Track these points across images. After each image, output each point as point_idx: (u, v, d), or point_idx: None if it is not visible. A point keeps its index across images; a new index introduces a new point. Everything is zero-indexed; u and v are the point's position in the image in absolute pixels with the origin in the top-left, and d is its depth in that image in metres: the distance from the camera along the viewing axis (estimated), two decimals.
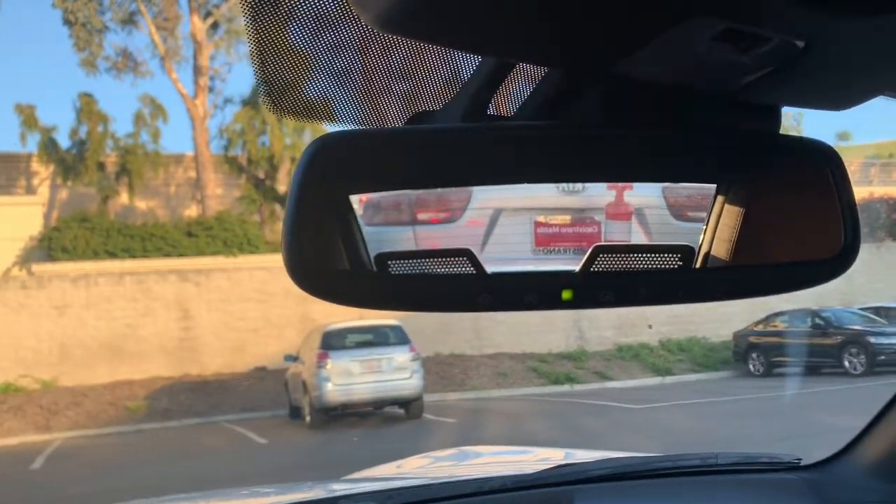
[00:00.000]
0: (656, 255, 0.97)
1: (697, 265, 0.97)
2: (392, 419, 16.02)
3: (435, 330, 20.66)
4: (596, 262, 0.92)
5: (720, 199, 0.98)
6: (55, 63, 47.45)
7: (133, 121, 24.84)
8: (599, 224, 0.94)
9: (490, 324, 22.26)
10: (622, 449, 2.37)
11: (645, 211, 0.96)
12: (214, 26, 26.60)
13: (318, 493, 2.00)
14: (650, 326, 22.52)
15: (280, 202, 25.20)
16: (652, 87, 0.83)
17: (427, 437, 13.69)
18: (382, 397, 15.59)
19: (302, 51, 0.88)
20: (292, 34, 0.84)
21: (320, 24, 0.84)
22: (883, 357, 18.00)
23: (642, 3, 0.67)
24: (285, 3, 0.80)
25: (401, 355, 15.75)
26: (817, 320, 19.62)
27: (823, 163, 0.95)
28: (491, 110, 0.93)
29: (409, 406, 15.82)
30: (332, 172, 0.84)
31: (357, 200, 0.86)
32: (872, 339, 18.42)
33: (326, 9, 0.81)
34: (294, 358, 17.26)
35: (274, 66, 0.90)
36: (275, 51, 0.88)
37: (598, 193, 0.94)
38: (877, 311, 20.73)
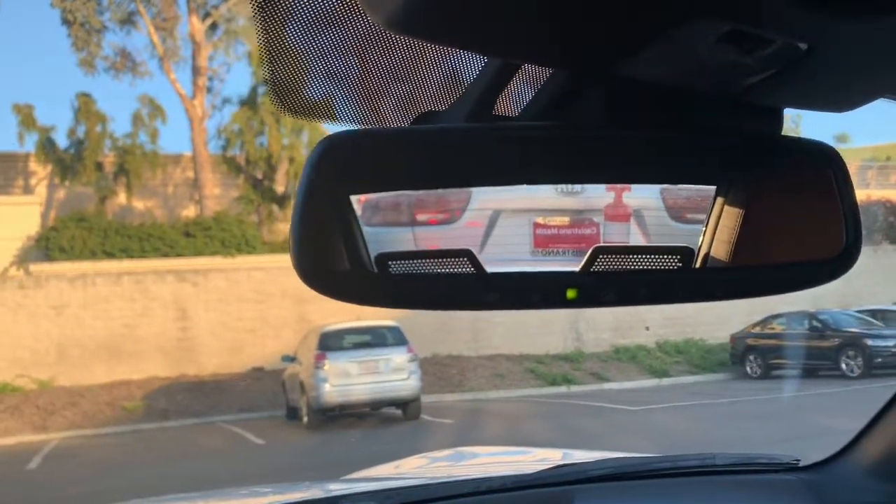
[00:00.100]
0: (656, 256, 0.97)
1: (697, 266, 0.98)
2: (389, 420, 16.02)
3: (433, 331, 20.66)
4: (596, 263, 0.92)
5: (720, 200, 0.98)
6: (53, 63, 47.46)
7: (131, 121, 24.89)
8: (598, 225, 0.95)
9: (488, 325, 22.27)
10: (620, 450, 2.37)
11: (643, 212, 0.96)
12: (213, 27, 26.62)
13: (317, 493, 2.00)
14: (647, 328, 22.53)
15: (278, 202, 25.21)
16: (655, 88, 0.83)
17: (424, 438, 13.69)
18: (380, 398, 15.59)
19: (309, 50, 0.88)
20: (300, 33, 0.85)
21: (328, 23, 0.84)
22: (880, 359, 18.02)
23: (645, 5, 0.67)
24: (292, 2, 0.80)
25: (398, 356, 15.74)
26: (815, 323, 19.64)
27: (825, 164, 0.95)
28: (495, 111, 0.94)
29: (407, 407, 15.82)
30: (338, 172, 0.84)
31: (356, 201, 0.86)
32: (869, 342, 18.44)
33: (334, 8, 0.81)
34: (291, 358, 17.26)
35: (281, 65, 0.90)
36: (282, 50, 0.88)
37: (597, 195, 0.95)
38: (874, 313, 20.75)
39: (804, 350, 19.10)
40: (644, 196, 0.97)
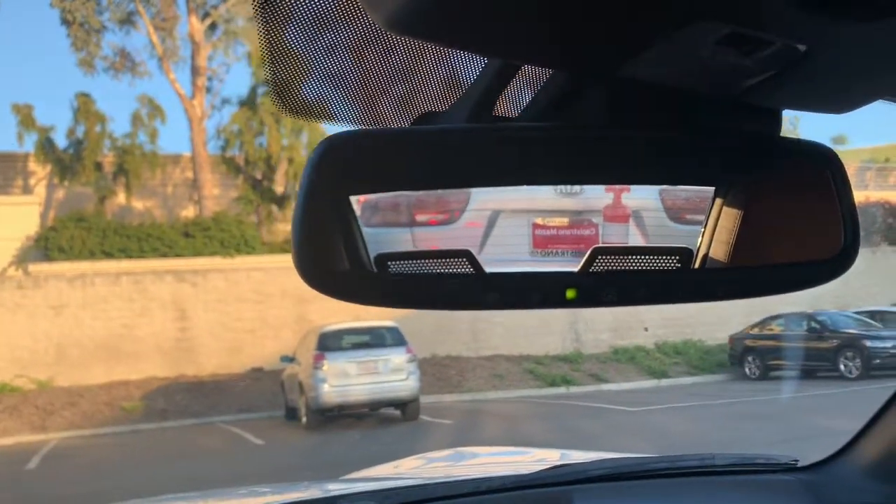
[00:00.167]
0: (655, 256, 0.98)
1: (696, 266, 0.98)
2: (388, 421, 16.02)
3: (432, 331, 20.67)
4: (595, 264, 0.93)
5: (719, 201, 0.99)
6: (53, 63, 47.41)
7: (130, 121, 24.89)
8: (597, 226, 0.95)
9: (487, 326, 22.27)
10: (618, 451, 2.38)
11: (642, 213, 0.97)
12: (212, 27, 26.62)
13: (315, 493, 2.00)
14: (646, 329, 22.53)
15: (277, 203, 25.21)
16: (656, 89, 0.83)
17: (423, 439, 13.69)
18: (379, 399, 15.59)
19: (310, 50, 0.88)
20: (301, 33, 0.85)
21: (329, 23, 0.84)
22: (878, 361, 18.03)
23: (647, 7, 0.68)
24: (294, 3, 0.81)
25: (397, 357, 15.74)
26: (813, 324, 19.65)
27: (823, 165, 0.95)
28: (495, 112, 0.94)
29: (406, 407, 15.81)
30: (339, 172, 0.85)
31: (355, 201, 0.87)
32: (868, 343, 18.45)
33: (335, 8, 0.82)
34: (290, 359, 17.25)
35: (282, 65, 0.91)
36: (283, 50, 0.88)
37: (596, 196, 0.95)
38: (872, 314, 20.76)
39: (803, 351, 19.11)
40: (643, 197, 0.97)
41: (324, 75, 0.94)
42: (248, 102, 25.12)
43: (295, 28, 0.84)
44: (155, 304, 21.50)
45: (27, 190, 25.77)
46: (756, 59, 0.76)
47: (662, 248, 0.99)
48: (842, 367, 18.54)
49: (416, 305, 0.88)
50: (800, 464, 1.87)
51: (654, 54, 0.75)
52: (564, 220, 0.96)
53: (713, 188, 0.99)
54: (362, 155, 0.87)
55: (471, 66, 0.92)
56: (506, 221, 0.95)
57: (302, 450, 14.01)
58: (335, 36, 0.87)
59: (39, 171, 25.66)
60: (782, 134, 0.95)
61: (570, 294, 0.87)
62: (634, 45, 0.74)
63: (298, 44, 0.87)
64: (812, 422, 11.95)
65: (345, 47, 0.89)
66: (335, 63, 0.92)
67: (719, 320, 22.33)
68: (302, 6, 0.81)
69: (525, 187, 0.95)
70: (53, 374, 20.17)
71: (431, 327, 20.62)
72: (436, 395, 18.89)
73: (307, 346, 16.38)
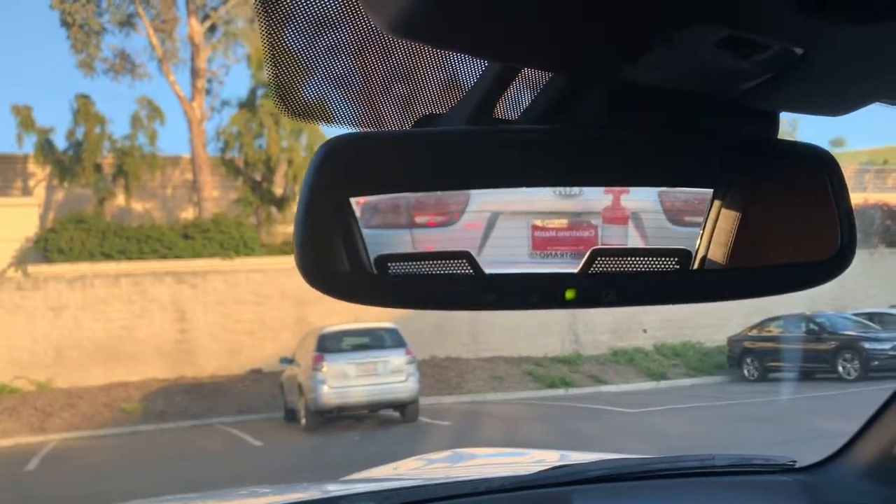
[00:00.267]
0: (654, 258, 0.98)
1: (695, 267, 0.99)
2: (387, 422, 16.01)
3: (431, 333, 20.66)
4: (594, 265, 0.93)
5: (717, 202, 0.99)
6: (52, 64, 47.37)
7: (130, 122, 24.88)
8: (596, 228, 0.96)
9: (486, 327, 22.26)
10: (617, 452, 2.38)
11: (641, 215, 0.97)
12: (212, 29, 26.61)
13: (315, 494, 2.01)
14: (645, 331, 22.53)
15: (276, 205, 25.20)
16: (655, 92, 0.84)
17: (422, 440, 13.67)
18: (378, 400, 15.58)
19: (312, 52, 0.89)
20: (303, 35, 0.85)
21: (331, 25, 0.85)
22: (877, 362, 18.03)
23: (646, 10, 0.68)
24: (295, 4, 0.81)
25: (396, 358, 15.73)
26: (811, 325, 19.65)
27: (820, 167, 0.96)
28: (495, 114, 0.95)
29: (405, 409, 15.81)
30: (341, 174, 0.85)
31: (355, 203, 0.87)
32: (866, 345, 18.45)
33: (337, 10, 0.82)
34: (290, 360, 17.24)
35: (284, 67, 0.91)
36: (285, 52, 0.89)
37: (595, 197, 0.96)
38: (870, 316, 20.77)
39: (801, 353, 19.11)
40: (642, 199, 0.97)
41: (325, 77, 0.95)
42: (248, 104, 25.12)
43: (296, 29, 0.85)
44: (154, 305, 21.49)
45: (26, 191, 25.76)
46: (754, 62, 0.77)
47: (661, 250, 0.99)
48: (840, 368, 18.55)
49: (416, 306, 0.89)
50: (798, 465, 1.88)
51: (653, 57, 0.75)
52: (564, 222, 0.96)
53: (711, 190, 0.99)
54: (364, 157, 0.88)
55: (471, 69, 0.93)
56: (505, 223, 0.95)
57: (301, 451, 14.00)
58: (336, 37, 0.87)
59: (39, 173, 25.64)
60: (780, 136, 0.95)
61: (569, 295, 0.88)
62: (634, 48, 0.75)
63: (300, 45, 0.87)
64: (810, 423, 11.95)
65: (346, 49, 0.90)
66: (336, 65, 0.93)
67: (718, 322, 22.33)
68: (303, 7, 0.82)
69: (524, 189, 0.96)
70: (52, 375, 20.16)
71: (431, 329, 20.61)
72: (435, 397, 18.89)
73: (306, 347, 16.37)
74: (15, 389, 19.59)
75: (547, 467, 1.91)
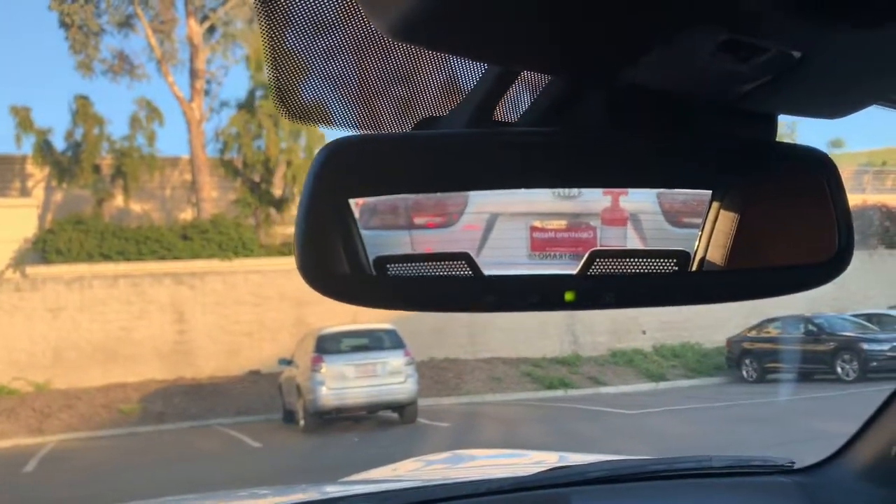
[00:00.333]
0: (652, 259, 0.98)
1: (694, 269, 0.99)
2: (386, 423, 16.00)
3: (429, 334, 20.66)
4: (593, 267, 0.94)
5: (716, 204, 0.99)
6: (51, 65, 47.31)
7: (129, 123, 24.86)
8: (595, 229, 0.96)
9: (484, 329, 22.27)
10: (616, 454, 2.38)
11: (640, 216, 0.97)
12: (211, 30, 26.60)
13: (314, 495, 2.01)
14: (644, 332, 22.54)
15: (275, 206, 25.19)
16: (654, 94, 0.84)
17: (421, 442, 13.67)
18: (377, 401, 15.57)
19: (312, 54, 0.89)
20: (303, 37, 0.86)
21: (331, 27, 0.85)
22: (875, 363, 18.05)
23: (646, 12, 0.69)
24: (296, 6, 0.81)
25: (395, 359, 15.72)
26: (810, 327, 19.67)
27: (818, 170, 0.96)
28: (494, 117, 0.95)
29: (404, 410, 15.80)
30: (341, 176, 0.85)
31: (354, 204, 0.87)
32: (865, 346, 18.47)
33: (337, 13, 0.82)
34: (288, 361, 17.24)
35: (284, 68, 0.91)
36: (285, 53, 0.89)
37: (594, 199, 0.96)
38: (869, 317, 20.80)
39: (800, 354, 19.13)
40: (641, 200, 0.98)
41: (325, 79, 0.95)
42: (247, 105, 25.11)
43: (296, 31, 0.85)
44: (153, 306, 21.49)
45: (25, 192, 25.74)
46: (752, 65, 0.77)
47: (660, 251, 0.99)
48: (839, 369, 18.56)
49: (415, 307, 0.89)
50: (796, 466, 1.88)
51: (652, 59, 0.76)
52: (562, 224, 0.96)
53: (710, 192, 1.00)
54: (364, 159, 0.88)
55: (471, 72, 0.93)
56: (504, 224, 0.95)
57: (300, 453, 14.00)
58: (336, 39, 0.87)
59: (37, 174, 25.62)
60: (779, 138, 0.96)
61: (568, 296, 0.88)
62: (633, 50, 0.75)
63: (299, 47, 0.87)
64: (809, 424, 11.95)
65: (346, 51, 0.90)
66: (336, 67, 0.93)
67: (717, 323, 22.35)
68: (303, 9, 0.82)
69: (523, 190, 0.96)
70: (51, 376, 20.14)
71: (429, 330, 20.61)
72: (433, 398, 18.89)
73: (305, 348, 16.37)
74: (13, 391, 19.58)
75: (546, 468, 1.91)
